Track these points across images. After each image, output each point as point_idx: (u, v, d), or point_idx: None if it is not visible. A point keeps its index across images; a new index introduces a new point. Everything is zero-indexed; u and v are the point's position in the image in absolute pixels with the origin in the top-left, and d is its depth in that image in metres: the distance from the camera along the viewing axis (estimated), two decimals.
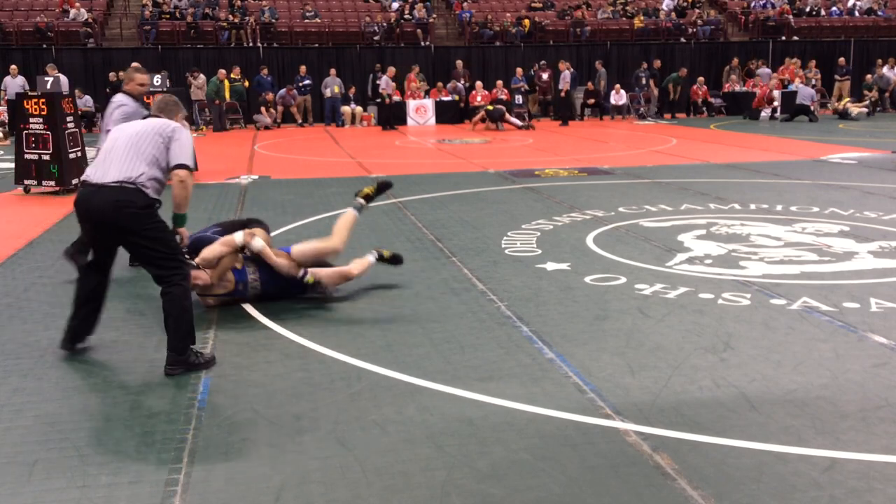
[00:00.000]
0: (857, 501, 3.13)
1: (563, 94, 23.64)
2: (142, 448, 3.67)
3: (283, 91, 24.07)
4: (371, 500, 3.21)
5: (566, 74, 23.56)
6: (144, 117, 5.04)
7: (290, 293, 5.96)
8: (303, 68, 24.57)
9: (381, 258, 6.41)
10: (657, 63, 26.02)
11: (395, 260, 6.51)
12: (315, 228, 8.72)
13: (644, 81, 25.52)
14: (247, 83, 23.72)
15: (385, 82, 23.53)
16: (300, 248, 5.97)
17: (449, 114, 24.39)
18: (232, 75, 22.92)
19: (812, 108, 23.47)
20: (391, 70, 24.21)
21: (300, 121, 24.22)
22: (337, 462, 3.51)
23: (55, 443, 3.74)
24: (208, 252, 5.60)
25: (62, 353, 4.94)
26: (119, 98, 6.67)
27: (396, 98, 24.26)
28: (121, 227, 4.57)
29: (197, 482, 3.36)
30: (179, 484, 3.35)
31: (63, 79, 19.85)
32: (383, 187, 6.50)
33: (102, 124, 6.91)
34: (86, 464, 3.52)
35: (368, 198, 6.38)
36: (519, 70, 25.45)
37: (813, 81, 26.13)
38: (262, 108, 23.38)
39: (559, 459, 3.50)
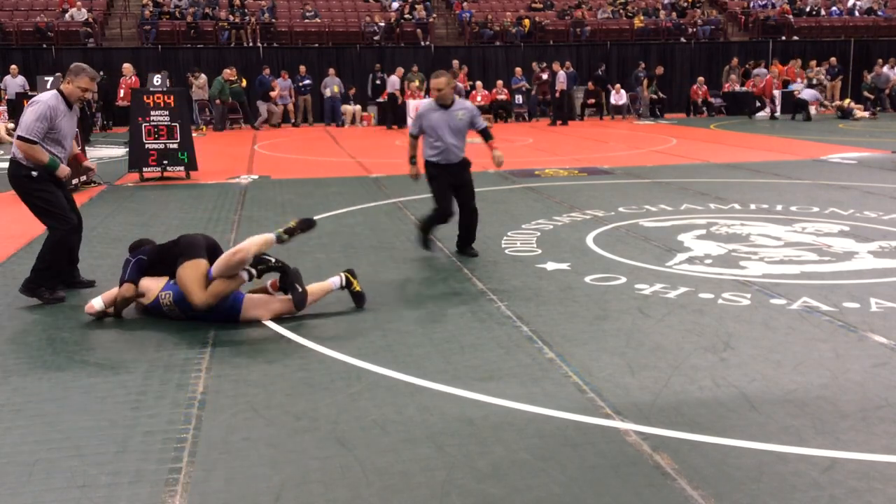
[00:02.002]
0: (857, 501, 3.13)
1: (557, 94, 23.46)
2: (142, 448, 3.67)
3: (287, 83, 23.88)
4: (371, 500, 3.21)
5: (561, 75, 23.48)
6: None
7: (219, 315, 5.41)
8: (303, 68, 24.57)
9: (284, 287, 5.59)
10: (659, 69, 25.90)
11: (292, 289, 5.53)
12: (315, 228, 8.71)
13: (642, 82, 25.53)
14: (244, 82, 23.54)
15: (393, 82, 23.61)
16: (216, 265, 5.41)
17: None
18: (222, 78, 22.40)
19: (813, 106, 23.51)
20: (399, 70, 24.26)
21: (293, 120, 24.17)
22: (337, 462, 3.51)
23: (55, 443, 3.74)
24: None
25: (62, 353, 4.95)
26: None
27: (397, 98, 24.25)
28: (15, 192, 6.08)
29: (197, 482, 3.36)
30: (179, 484, 3.35)
31: None
32: (306, 225, 5.73)
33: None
34: (86, 464, 3.52)
35: (290, 231, 5.60)
36: (518, 70, 25.40)
37: (815, 81, 26.10)
38: (271, 95, 23.24)
39: (559, 459, 3.50)
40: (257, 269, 5.53)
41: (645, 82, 25.29)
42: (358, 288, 5.80)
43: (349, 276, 5.83)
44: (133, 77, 19.92)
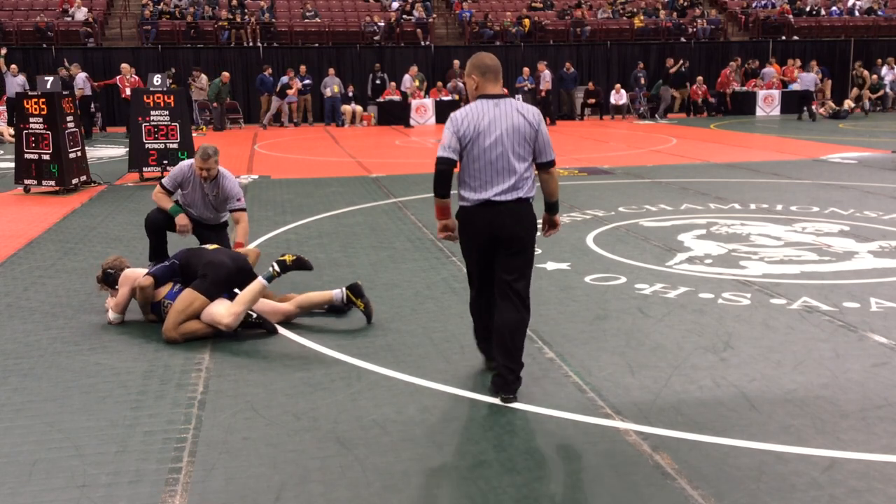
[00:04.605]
0: (857, 501, 3.13)
1: (542, 94, 23.29)
2: (142, 448, 3.67)
3: (286, 79, 23.79)
4: (371, 500, 3.21)
5: (546, 75, 23.39)
6: None
7: None
8: (303, 68, 24.54)
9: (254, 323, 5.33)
10: (678, 64, 25.71)
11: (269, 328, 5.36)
12: (315, 228, 8.73)
13: (643, 82, 25.48)
14: (226, 78, 22.94)
15: (406, 81, 23.56)
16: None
17: (449, 113, 24.33)
18: (220, 81, 22.11)
19: (815, 96, 23.54)
20: (413, 69, 24.21)
21: (294, 120, 24.12)
22: (337, 462, 3.51)
23: (55, 443, 3.74)
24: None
25: (62, 353, 4.95)
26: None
27: (397, 98, 24.23)
28: None
29: (197, 482, 3.36)
30: (179, 484, 3.35)
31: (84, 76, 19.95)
32: (301, 265, 5.35)
33: None
34: (86, 464, 3.52)
35: (284, 266, 5.27)
36: (526, 70, 25.17)
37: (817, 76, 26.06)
38: (288, 93, 23.20)
39: (559, 459, 3.50)
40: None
41: (641, 82, 25.11)
42: (361, 306, 5.46)
43: (350, 293, 5.49)
44: (133, 77, 19.89)
